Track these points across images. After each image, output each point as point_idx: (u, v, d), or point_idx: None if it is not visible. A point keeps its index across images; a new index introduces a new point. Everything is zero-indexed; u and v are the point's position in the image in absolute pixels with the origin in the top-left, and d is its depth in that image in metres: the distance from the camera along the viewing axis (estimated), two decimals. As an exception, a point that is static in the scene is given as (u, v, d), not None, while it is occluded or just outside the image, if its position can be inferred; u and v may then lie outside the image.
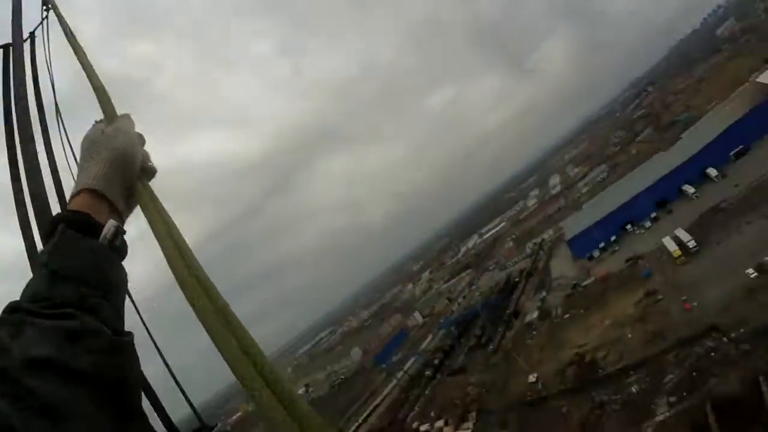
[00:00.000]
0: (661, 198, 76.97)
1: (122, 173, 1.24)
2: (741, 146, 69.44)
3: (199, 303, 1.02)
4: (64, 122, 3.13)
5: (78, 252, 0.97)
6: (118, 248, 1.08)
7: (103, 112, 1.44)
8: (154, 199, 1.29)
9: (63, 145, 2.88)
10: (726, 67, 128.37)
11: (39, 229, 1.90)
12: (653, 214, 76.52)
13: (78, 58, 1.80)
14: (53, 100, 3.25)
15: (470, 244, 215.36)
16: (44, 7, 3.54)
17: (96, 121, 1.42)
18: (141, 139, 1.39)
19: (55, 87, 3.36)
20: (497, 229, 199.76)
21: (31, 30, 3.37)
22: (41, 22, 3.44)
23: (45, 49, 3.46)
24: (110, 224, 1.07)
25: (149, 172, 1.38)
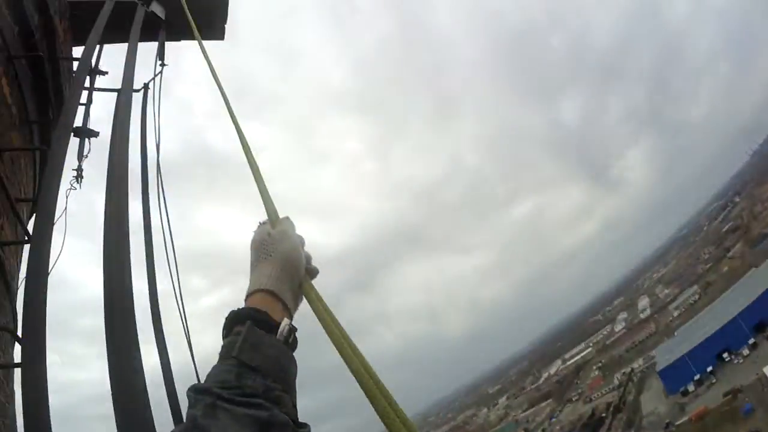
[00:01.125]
0: (759, 321, 70.33)
1: (291, 275, 1.24)
2: None
3: (367, 384, 0.93)
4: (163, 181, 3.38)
5: (263, 347, 1.02)
6: (291, 344, 1.11)
7: (267, 213, 1.50)
8: (319, 296, 1.25)
9: (159, 205, 3.24)
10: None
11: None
12: (751, 340, 70.06)
13: (248, 161, 1.54)
14: (156, 153, 3.57)
15: (552, 369, 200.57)
16: (159, 62, 3.71)
17: (260, 223, 1.48)
18: (302, 241, 1.44)
19: (161, 146, 3.66)
20: (582, 355, 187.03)
21: (146, 81, 3.49)
22: (155, 76, 3.58)
23: (154, 101, 3.61)
24: (285, 322, 1.10)
25: (312, 272, 1.39)
